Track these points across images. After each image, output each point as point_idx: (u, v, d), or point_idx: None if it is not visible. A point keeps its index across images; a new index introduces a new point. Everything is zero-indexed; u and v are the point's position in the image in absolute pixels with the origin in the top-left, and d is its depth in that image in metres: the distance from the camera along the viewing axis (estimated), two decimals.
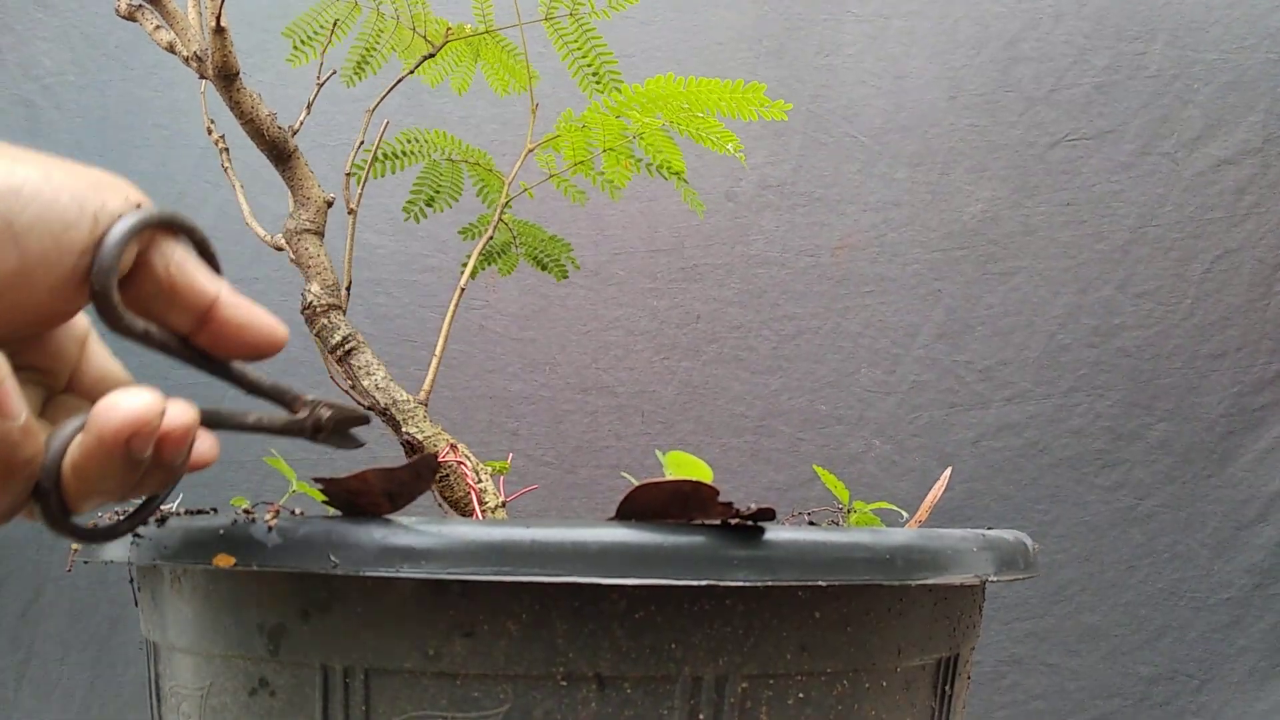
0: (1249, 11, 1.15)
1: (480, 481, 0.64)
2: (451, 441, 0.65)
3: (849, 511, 0.65)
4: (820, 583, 0.45)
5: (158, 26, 0.68)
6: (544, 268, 0.90)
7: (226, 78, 0.65)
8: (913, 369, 1.15)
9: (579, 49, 0.78)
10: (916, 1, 1.17)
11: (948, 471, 0.71)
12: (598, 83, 0.77)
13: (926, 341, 1.15)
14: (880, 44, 1.17)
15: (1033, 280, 1.15)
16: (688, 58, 1.19)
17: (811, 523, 0.67)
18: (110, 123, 1.23)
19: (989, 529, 0.54)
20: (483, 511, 0.63)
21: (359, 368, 0.66)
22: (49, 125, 1.22)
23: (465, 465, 0.64)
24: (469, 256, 0.81)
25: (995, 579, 0.51)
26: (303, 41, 0.79)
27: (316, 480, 0.44)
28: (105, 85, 1.22)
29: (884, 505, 0.66)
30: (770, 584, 0.44)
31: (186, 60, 0.67)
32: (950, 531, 0.50)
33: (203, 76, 0.66)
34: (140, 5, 0.69)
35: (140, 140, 1.23)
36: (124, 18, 0.69)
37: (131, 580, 0.59)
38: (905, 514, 0.66)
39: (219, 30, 0.62)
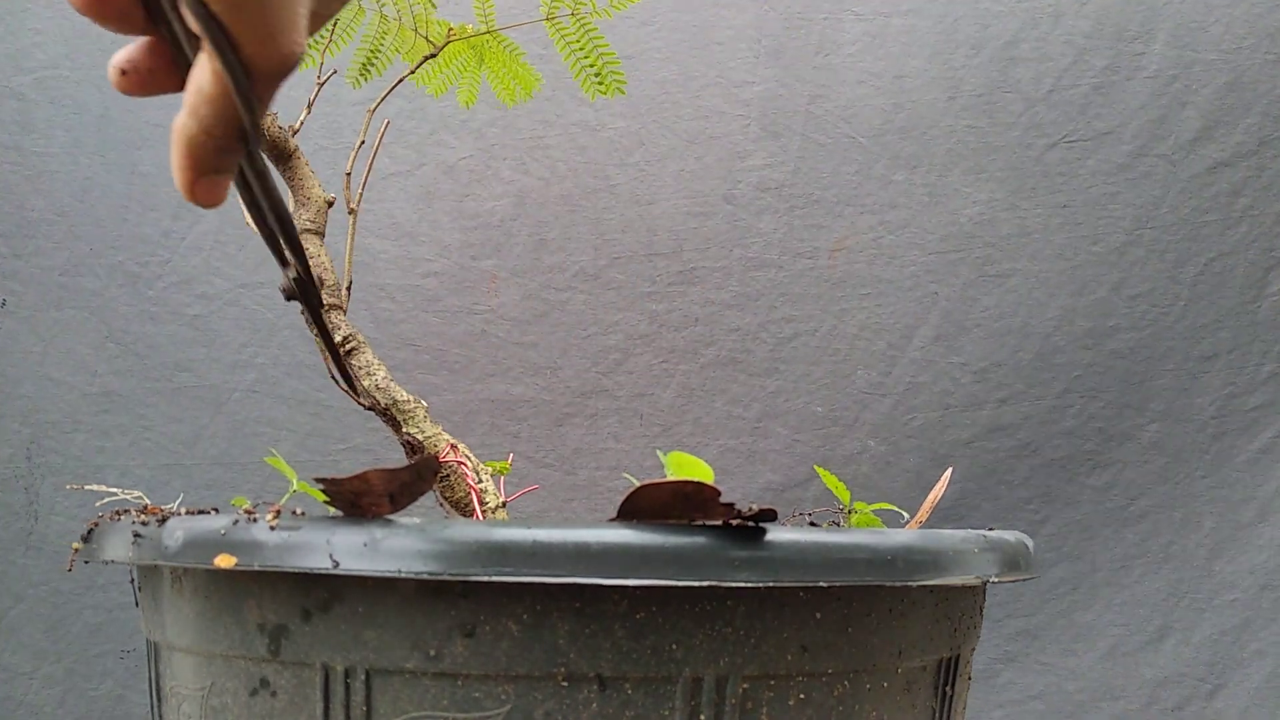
0: (1249, 10, 1.14)
1: (481, 482, 0.64)
2: (452, 442, 0.65)
3: (850, 512, 0.65)
4: (822, 584, 0.45)
5: None
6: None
7: None
8: (909, 371, 1.15)
9: (581, 49, 0.78)
10: (916, 0, 1.17)
11: (948, 472, 0.71)
12: (600, 83, 0.77)
13: (923, 344, 1.15)
14: (880, 43, 1.17)
15: (1028, 283, 1.15)
16: (687, 57, 1.19)
17: (813, 524, 0.67)
18: (110, 120, 1.20)
19: (989, 529, 0.54)
20: (484, 512, 0.63)
21: (359, 368, 0.66)
22: (44, 122, 1.18)
23: (466, 466, 0.64)
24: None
25: (997, 580, 0.51)
26: (310, 46, 0.78)
27: (318, 480, 0.44)
28: (102, 80, 1.19)
29: (885, 506, 0.66)
30: (772, 585, 0.44)
31: None
32: (951, 533, 0.50)
33: None
34: None
35: (139, 139, 1.21)
36: None
37: (132, 580, 0.59)
38: (905, 514, 0.66)
39: None
